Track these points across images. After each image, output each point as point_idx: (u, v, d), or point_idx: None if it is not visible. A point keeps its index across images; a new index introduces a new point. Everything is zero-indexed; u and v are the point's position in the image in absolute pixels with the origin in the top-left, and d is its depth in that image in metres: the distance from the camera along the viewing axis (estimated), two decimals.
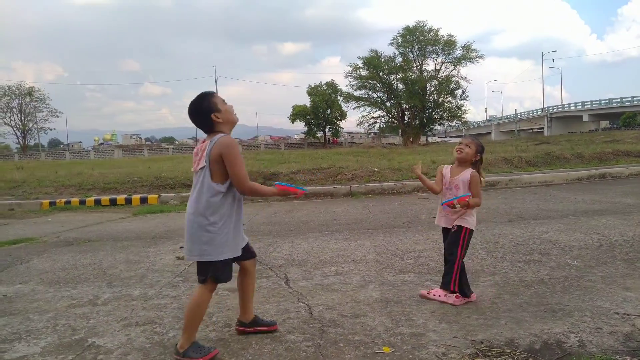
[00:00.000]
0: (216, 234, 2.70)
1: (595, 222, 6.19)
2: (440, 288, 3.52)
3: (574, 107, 75.42)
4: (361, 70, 50.53)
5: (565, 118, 75.34)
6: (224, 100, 2.84)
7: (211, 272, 2.75)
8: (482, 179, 3.51)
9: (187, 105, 2.80)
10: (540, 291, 3.63)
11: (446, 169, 3.66)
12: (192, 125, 2.90)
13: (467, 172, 3.47)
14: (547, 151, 15.66)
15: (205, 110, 2.77)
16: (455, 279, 3.41)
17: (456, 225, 3.50)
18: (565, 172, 12.23)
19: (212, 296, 2.89)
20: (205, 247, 2.71)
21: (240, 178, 2.70)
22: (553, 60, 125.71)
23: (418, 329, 3.02)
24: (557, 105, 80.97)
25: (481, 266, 4.40)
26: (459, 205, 3.36)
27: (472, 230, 3.51)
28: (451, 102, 50.87)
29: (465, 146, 3.52)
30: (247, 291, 3.07)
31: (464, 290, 3.46)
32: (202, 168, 2.71)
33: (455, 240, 3.48)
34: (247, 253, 2.99)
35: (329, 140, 62.84)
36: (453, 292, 3.42)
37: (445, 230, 3.61)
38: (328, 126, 61.91)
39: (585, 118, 70.39)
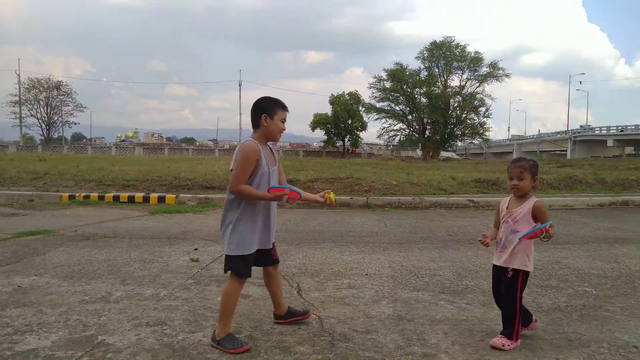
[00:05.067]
0: (233, 231, 3.00)
1: (616, 251, 6.06)
2: (503, 335, 3.04)
3: (598, 132, 74.40)
4: (385, 82, 50.55)
5: (589, 142, 74.33)
6: (284, 120, 3.16)
7: (231, 265, 3.03)
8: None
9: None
10: (557, 319, 3.56)
11: (503, 203, 3.24)
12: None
13: (530, 202, 3.06)
14: (570, 174, 15.39)
15: (262, 107, 3.10)
16: (518, 329, 3.02)
17: (512, 269, 3.08)
18: (587, 197, 12.01)
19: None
20: (226, 241, 3.04)
21: (233, 177, 2.99)
22: (580, 82, 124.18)
23: (430, 349, 2.96)
24: (582, 128, 79.96)
25: None
26: (543, 236, 2.88)
27: (528, 272, 3.11)
28: (474, 119, 50.64)
29: (518, 180, 3.06)
30: (274, 291, 3.39)
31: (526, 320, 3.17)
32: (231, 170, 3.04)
33: (513, 289, 3.06)
34: (269, 261, 3.27)
35: (347, 149, 62.84)
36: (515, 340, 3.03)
37: (499, 269, 3.18)
38: (348, 136, 61.94)
39: (610, 143, 69.36)
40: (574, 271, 5.00)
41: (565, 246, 6.30)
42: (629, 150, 72.82)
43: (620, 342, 3.11)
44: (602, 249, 6.17)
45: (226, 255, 3.05)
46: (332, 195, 3.23)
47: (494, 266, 3.22)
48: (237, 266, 3.01)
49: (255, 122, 3.10)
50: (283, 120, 3.15)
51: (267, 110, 3.08)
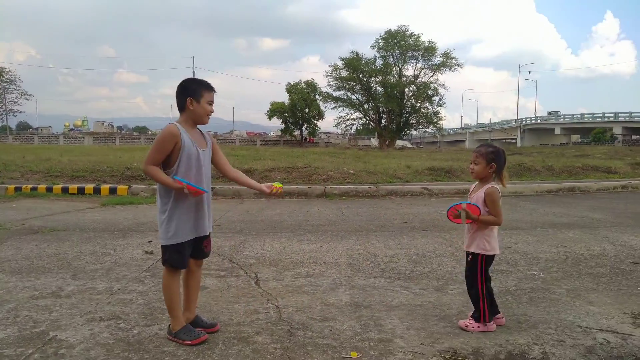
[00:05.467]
0: (167, 219, 2.84)
1: (562, 235, 6.32)
2: (472, 318, 3.16)
3: (546, 120, 77.06)
4: (341, 70, 50.71)
5: (538, 130, 76.90)
6: (211, 102, 2.93)
7: (167, 256, 2.90)
8: (502, 186, 3.15)
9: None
10: (507, 301, 3.69)
11: (473, 186, 3.31)
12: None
13: (484, 188, 3.12)
14: (519, 162, 15.94)
15: (187, 90, 2.89)
16: (484, 312, 3.09)
17: (471, 253, 3.20)
18: (535, 184, 12.48)
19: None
20: (160, 230, 2.89)
21: (146, 157, 2.84)
22: (530, 72, 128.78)
23: (386, 334, 3.03)
24: (531, 117, 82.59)
25: (450, 274, 4.44)
26: (463, 213, 3.03)
27: (491, 256, 3.19)
28: (428, 108, 51.53)
29: (474, 164, 3.17)
30: (189, 290, 3.11)
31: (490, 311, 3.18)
32: None
33: (472, 272, 3.20)
34: (198, 252, 3.03)
35: (305, 139, 62.84)
36: (485, 323, 3.11)
37: (466, 254, 3.30)
38: (305, 125, 61.92)
39: (557, 131, 71.94)
40: (523, 255, 5.19)
41: (515, 231, 6.53)
42: (575, 138, 75.86)
43: (566, 322, 3.26)
44: (550, 234, 6.43)
45: (162, 246, 2.90)
46: (277, 184, 3.12)
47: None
48: (172, 257, 2.88)
49: (181, 105, 2.90)
50: (210, 103, 2.93)
51: (192, 93, 2.88)
